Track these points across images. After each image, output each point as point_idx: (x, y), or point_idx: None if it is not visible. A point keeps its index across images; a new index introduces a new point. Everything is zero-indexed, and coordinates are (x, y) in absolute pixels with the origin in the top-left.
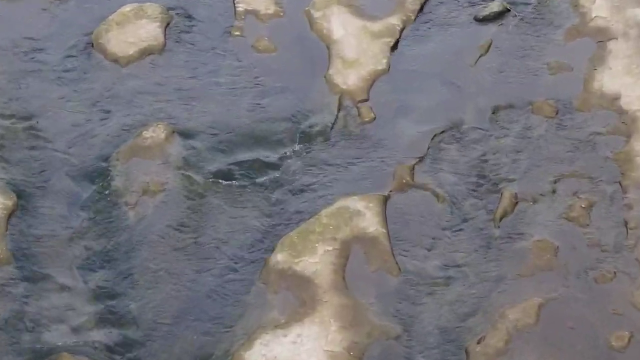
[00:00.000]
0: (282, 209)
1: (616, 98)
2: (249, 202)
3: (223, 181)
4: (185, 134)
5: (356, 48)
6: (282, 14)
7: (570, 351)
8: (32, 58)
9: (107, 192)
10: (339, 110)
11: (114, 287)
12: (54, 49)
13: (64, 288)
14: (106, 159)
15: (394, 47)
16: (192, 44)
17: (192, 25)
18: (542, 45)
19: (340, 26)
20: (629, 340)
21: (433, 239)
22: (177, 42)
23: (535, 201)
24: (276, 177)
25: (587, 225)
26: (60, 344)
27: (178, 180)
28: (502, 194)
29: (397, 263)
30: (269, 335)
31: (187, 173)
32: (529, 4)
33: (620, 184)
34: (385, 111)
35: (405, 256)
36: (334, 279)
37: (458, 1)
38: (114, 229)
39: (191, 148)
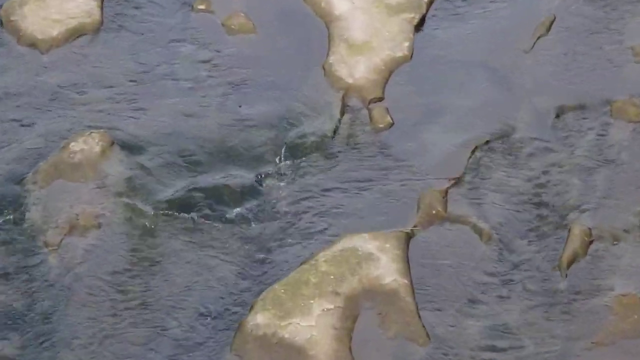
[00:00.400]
0: (264, 251)
1: None
2: (217, 242)
3: (181, 213)
4: (130, 147)
5: (367, 27)
6: None
7: None
8: None
9: (19, 227)
10: (342, 113)
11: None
12: None
13: None
14: (19, 181)
15: (419, 26)
16: (140, 23)
17: (139, 2)
18: (625, 22)
19: None
20: None
21: (473, 294)
22: (118, 20)
23: (616, 240)
24: (255, 208)
25: None
26: None
27: (119, 211)
28: (570, 230)
29: (424, 327)
30: None
31: (132, 202)
32: None
33: None
34: (407, 115)
35: (435, 317)
36: (336, 350)
37: None
38: (30, 280)
39: (137, 167)
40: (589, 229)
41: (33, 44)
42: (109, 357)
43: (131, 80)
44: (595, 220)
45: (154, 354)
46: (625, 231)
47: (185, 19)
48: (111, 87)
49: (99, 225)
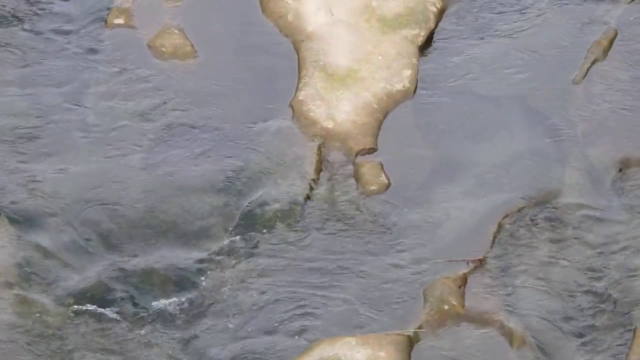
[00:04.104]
0: None
1: None
2: (144, 346)
3: (94, 308)
4: (22, 222)
5: (353, 49)
6: None
7: None
8: None
9: None
10: (319, 170)
11: None
12: None
13: None
14: None
15: (426, 47)
16: (33, 44)
17: (32, 9)
18: None
19: (322, 5)
20: None
21: None
22: (5, 39)
23: None
24: (195, 301)
25: None
26: None
27: (8, 308)
28: (635, 331)
29: None
30: None
31: (27, 294)
32: None
33: None
34: (409, 172)
35: None
36: None
37: None
38: None
39: (33, 248)
40: None
41: None
42: None
43: (22, 129)
44: None
45: None
46: None
47: (97, 39)
48: None
49: None
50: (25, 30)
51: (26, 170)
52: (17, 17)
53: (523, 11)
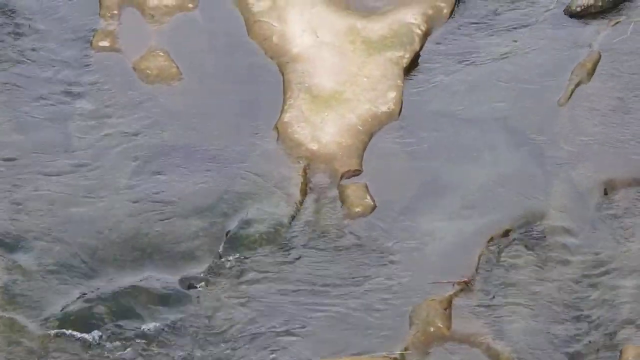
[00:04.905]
0: None
1: None
2: None
3: (80, 333)
4: (6, 245)
5: (338, 71)
6: (191, 4)
7: None
8: None
9: None
10: (304, 192)
11: None
12: None
13: None
14: None
15: (411, 69)
16: (17, 66)
17: (16, 30)
18: None
19: (307, 28)
20: None
21: None
22: None
23: None
24: (181, 324)
25: None
26: None
27: None
28: (622, 352)
29: None
30: None
31: (10, 316)
32: None
33: None
34: (395, 194)
35: None
36: None
37: None
38: None
39: (18, 271)
40: None
41: None
42: None
43: (4, 149)
44: None
45: None
46: None
47: (82, 61)
48: None
49: None
50: (9, 49)
51: (9, 192)
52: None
53: (508, 34)
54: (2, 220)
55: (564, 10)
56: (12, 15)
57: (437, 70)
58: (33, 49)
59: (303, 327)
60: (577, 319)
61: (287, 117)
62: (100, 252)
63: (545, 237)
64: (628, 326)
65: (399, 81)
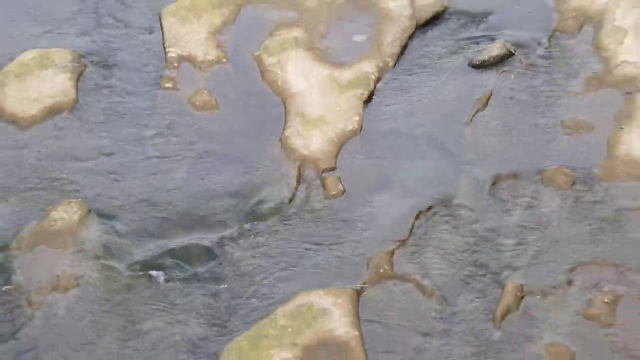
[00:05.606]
0: (228, 307)
1: None
2: (185, 298)
3: (153, 273)
4: (105, 215)
5: (320, 103)
6: (225, 60)
7: None
8: None
9: (5, 289)
10: (298, 182)
11: None
12: None
13: None
14: (4, 248)
15: (368, 102)
16: (112, 101)
17: (111, 76)
18: (555, 98)
19: (300, 75)
20: None
21: (418, 343)
22: (92, 97)
23: (545, 295)
24: (219, 267)
25: (612, 324)
26: None
27: (96, 272)
28: (504, 287)
29: None
30: None
31: (108, 263)
32: (539, 45)
33: None
34: (358, 183)
35: None
36: None
37: (449, 42)
38: (14, 335)
39: (112, 232)
40: (521, 285)
41: (14, 121)
42: None
43: (105, 154)
44: (527, 277)
45: None
46: (554, 287)
47: (153, 97)
48: (87, 160)
49: (79, 285)
50: (105, 86)
51: (108, 180)
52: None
53: (433, 78)
54: (102, 199)
55: (468, 63)
56: (109, 65)
57: (386, 102)
58: (122, 87)
59: (298, 270)
60: (475, 264)
61: (287, 132)
62: (166, 220)
63: (455, 211)
64: (507, 269)
65: (360, 110)
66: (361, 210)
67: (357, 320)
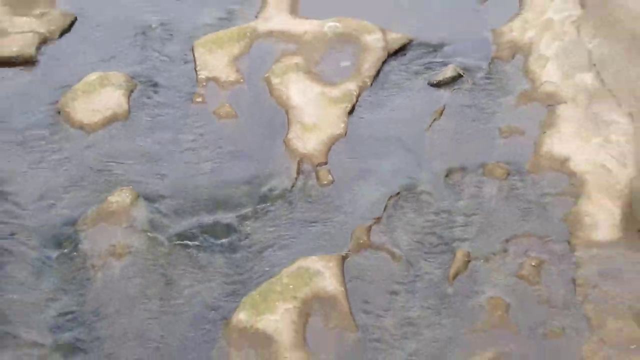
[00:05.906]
0: (244, 269)
1: (565, 161)
2: (211, 262)
3: (187, 242)
4: (150, 198)
5: (315, 113)
6: (242, 80)
7: None
8: (1, 127)
9: (74, 255)
10: (298, 173)
11: (84, 346)
12: (21, 117)
13: (35, 346)
14: (73, 223)
15: (351, 112)
16: (155, 111)
17: (155, 93)
18: (494, 109)
19: (299, 92)
20: None
21: (389, 297)
22: (140, 109)
23: (487, 260)
24: (237, 239)
25: (537, 283)
26: None
27: (143, 242)
28: (455, 254)
29: (354, 321)
30: None
31: (152, 235)
32: (482, 69)
33: (569, 243)
34: (343, 174)
35: (362, 314)
36: (294, 337)
37: (413, 67)
38: (82, 290)
39: (155, 211)
40: (468, 252)
41: (81, 127)
42: (139, 341)
43: (150, 153)
44: (473, 246)
45: (170, 338)
46: (493, 254)
47: (187, 109)
48: (136, 158)
49: (130, 252)
50: (153, 106)
51: (152, 172)
52: (149, 99)
53: (403, 95)
54: (148, 187)
55: (428, 83)
56: (153, 85)
57: (365, 113)
58: (163, 102)
59: (298, 240)
60: (434, 236)
61: (290, 135)
62: (197, 203)
63: (417, 196)
64: (457, 240)
65: (345, 119)
66: (346, 195)
67: (343, 279)
